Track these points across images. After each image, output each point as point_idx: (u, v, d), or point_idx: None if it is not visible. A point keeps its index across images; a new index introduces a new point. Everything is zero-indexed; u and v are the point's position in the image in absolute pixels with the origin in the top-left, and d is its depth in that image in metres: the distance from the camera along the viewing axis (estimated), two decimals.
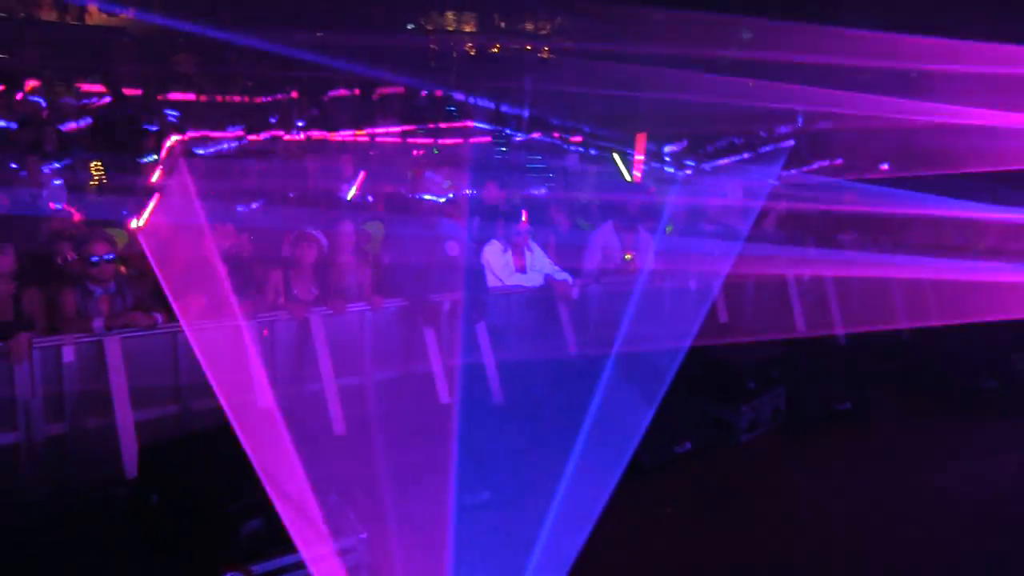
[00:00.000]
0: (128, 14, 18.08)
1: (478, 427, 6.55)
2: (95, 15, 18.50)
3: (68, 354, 6.05)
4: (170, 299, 6.54)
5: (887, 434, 8.06)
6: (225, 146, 12.12)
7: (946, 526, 6.23)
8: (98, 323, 6.23)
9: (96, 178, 10.20)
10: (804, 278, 9.93)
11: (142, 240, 7.22)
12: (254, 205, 9.32)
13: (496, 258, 8.60)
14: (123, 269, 7.02)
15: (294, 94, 14.84)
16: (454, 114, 16.43)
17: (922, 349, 9.57)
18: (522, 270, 8.63)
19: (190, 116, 12.64)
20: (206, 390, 6.54)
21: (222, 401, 5.68)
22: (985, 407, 8.73)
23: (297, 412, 6.17)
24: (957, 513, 6.46)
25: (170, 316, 6.62)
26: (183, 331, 6.52)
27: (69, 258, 7.09)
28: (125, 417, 6.09)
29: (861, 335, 10.14)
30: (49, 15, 18.12)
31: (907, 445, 7.80)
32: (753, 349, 8.13)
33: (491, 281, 8.45)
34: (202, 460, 5.05)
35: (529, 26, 23.00)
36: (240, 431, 5.16)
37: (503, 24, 23.02)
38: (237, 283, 6.79)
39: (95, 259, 6.47)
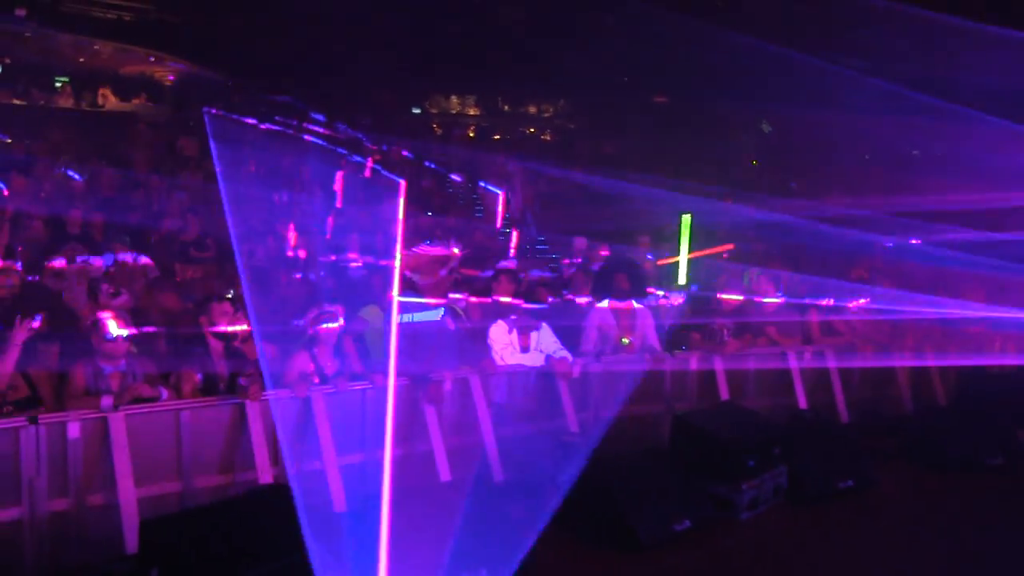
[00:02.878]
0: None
1: (478, 505, 6.61)
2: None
3: (73, 431, 6.14)
4: None
5: (891, 511, 8.02)
6: None
7: None
8: (106, 401, 6.34)
9: None
10: (805, 355, 9.98)
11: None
12: None
13: (500, 338, 8.71)
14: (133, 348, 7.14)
15: None
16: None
17: (926, 426, 9.53)
18: (525, 349, 8.72)
19: None
20: (208, 467, 6.66)
21: None
22: (991, 483, 8.66)
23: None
24: None
25: (176, 393, 6.76)
26: (186, 408, 6.64)
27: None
28: (128, 493, 6.17)
29: (864, 412, 10.19)
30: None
31: (911, 522, 7.75)
32: (754, 427, 8.14)
33: (495, 361, 8.55)
34: (202, 534, 5.10)
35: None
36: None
37: None
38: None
39: (109, 337, 6.60)
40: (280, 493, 5.62)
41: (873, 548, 7.15)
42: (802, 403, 9.67)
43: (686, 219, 12.35)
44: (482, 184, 17.13)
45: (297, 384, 7.25)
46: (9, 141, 14.99)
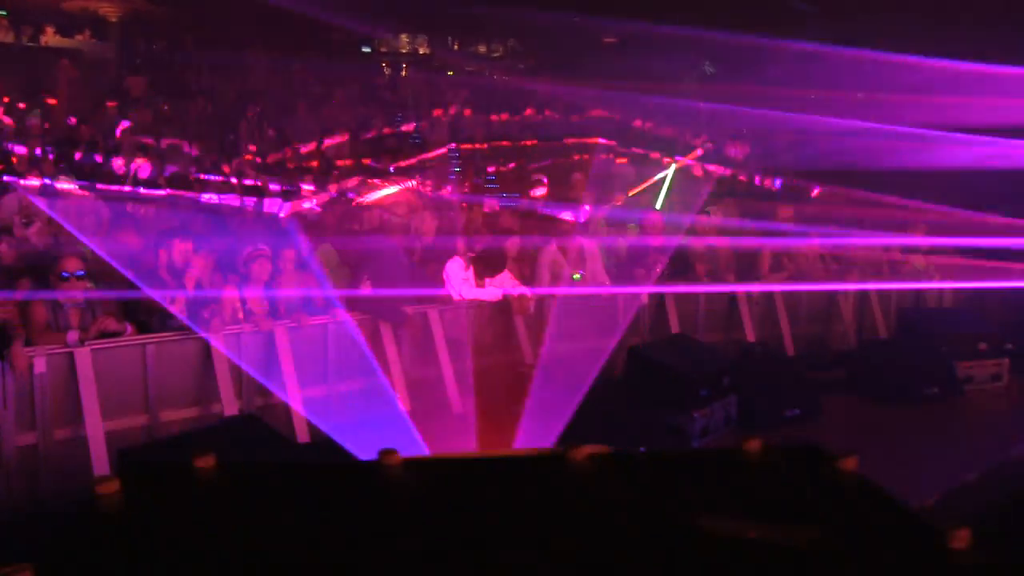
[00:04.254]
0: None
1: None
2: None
3: (39, 365, 6.19)
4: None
5: (834, 438, 8.31)
6: None
7: None
8: (72, 336, 6.40)
9: None
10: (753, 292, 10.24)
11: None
12: None
13: (456, 273, 8.83)
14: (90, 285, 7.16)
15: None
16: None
17: (867, 358, 9.88)
18: (481, 284, 8.86)
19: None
20: (174, 400, 6.75)
21: None
22: (926, 412, 9.05)
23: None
24: None
25: (139, 328, 6.81)
26: (152, 343, 6.71)
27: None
28: (95, 427, 6.25)
29: (810, 345, 10.53)
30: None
31: (851, 447, 8.05)
32: (705, 358, 8.41)
33: (452, 296, 8.69)
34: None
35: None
36: None
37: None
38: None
39: (65, 275, 6.64)
40: (254, 423, 5.75)
41: None
42: (750, 336, 9.96)
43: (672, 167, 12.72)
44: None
45: (260, 319, 7.34)
46: None
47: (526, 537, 2.40)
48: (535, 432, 6.58)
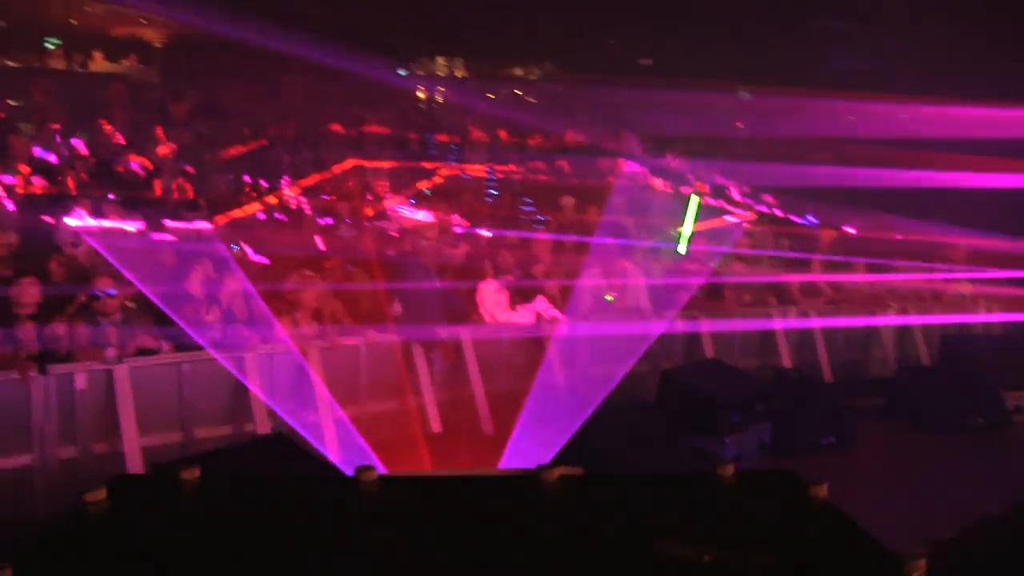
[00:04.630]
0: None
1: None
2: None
3: (80, 381, 6.34)
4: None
5: (871, 468, 8.20)
6: None
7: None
8: (111, 352, 6.55)
9: None
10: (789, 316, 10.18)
11: None
12: None
13: (490, 296, 8.88)
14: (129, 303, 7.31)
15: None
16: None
17: (908, 386, 9.72)
18: (514, 308, 8.89)
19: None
20: (208, 418, 6.85)
21: None
22: (971, 443, 8.85)
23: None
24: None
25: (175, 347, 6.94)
26: (187, 362, 6.82)
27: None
28: (132, 442, 6.37)
29: (848, 371, 10.39)
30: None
31: (890, 479, 7.93)
32: (738, 383, 8.35)
33: (484, 318, 8.73)
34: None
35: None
36: None
37: None
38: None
39: (98, 293, 6.81)
40: (283, 441, 5.82)
41: (851, 504, 7.25)
42: (786, 362, 9.88)
43: (694, 199, 12.56)
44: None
45: (300, 340, 7.45)
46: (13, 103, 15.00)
47: (481, 553, 2.46)
48: (563, 455, 6.60)
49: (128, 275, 7.39)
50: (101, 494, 2.67)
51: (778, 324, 10.04)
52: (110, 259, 7.96)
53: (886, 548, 2.45)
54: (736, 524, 2.65)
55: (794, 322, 10.19)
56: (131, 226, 9.91)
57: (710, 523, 2.64)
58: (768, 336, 10.03)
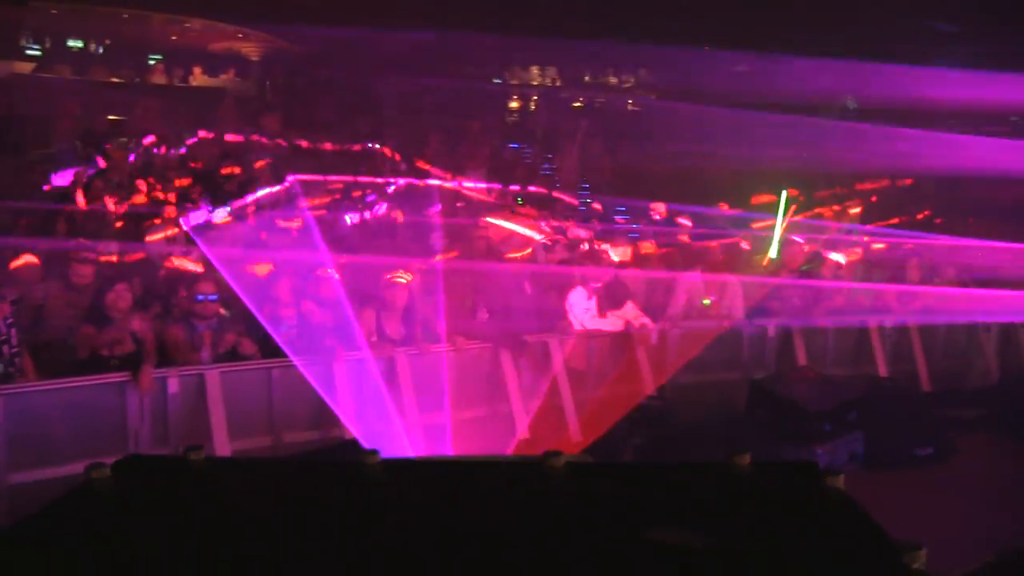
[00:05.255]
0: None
1: None
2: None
3: (172, 385, 6.53)
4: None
5: (971, 481, 7.92)
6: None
7: None
8: (205, 354, 6.73)
9: None
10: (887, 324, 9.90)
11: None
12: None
13: (579, 303, 8.85)
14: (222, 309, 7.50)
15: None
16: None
17: (1012, 396, 9.35)
18: (603, 315, 8.85)
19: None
20: (296, 423, 6.97)
21: None
22: None
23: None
24: None
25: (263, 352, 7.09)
26: (277, 367, 6.96)
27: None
28: (223, 446, 6.53)
29: (948, 381, 10.04)
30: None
31: (992, 493, 7.65)
32: (830, 391, 8.16)
33: (573, 325, 8.71)
34: None
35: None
36: None
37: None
38: None
39: (200, 297, 6.99)
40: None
41: (949, 517, 6.97)
42: (882, 371, 9.61)
43: (785, 197, 12.19)
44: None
45: (378, 345, 7.52)
46: (115, 117, 15.55)
47: (479, 538, 2.45)
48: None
49: (231, 281, 7.59)
50: (105, 471, 2.75)
51: (874, 330, 9.78)
52: (214, 263, 8.20)
53: (891, 538, 2.37)
54: (742, 513, 2.59)
55: (890, 327, 9.90)
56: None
57: (715, 511, 2.59)
58: (863, 344, 9.78)
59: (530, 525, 2.53)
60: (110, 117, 15.33)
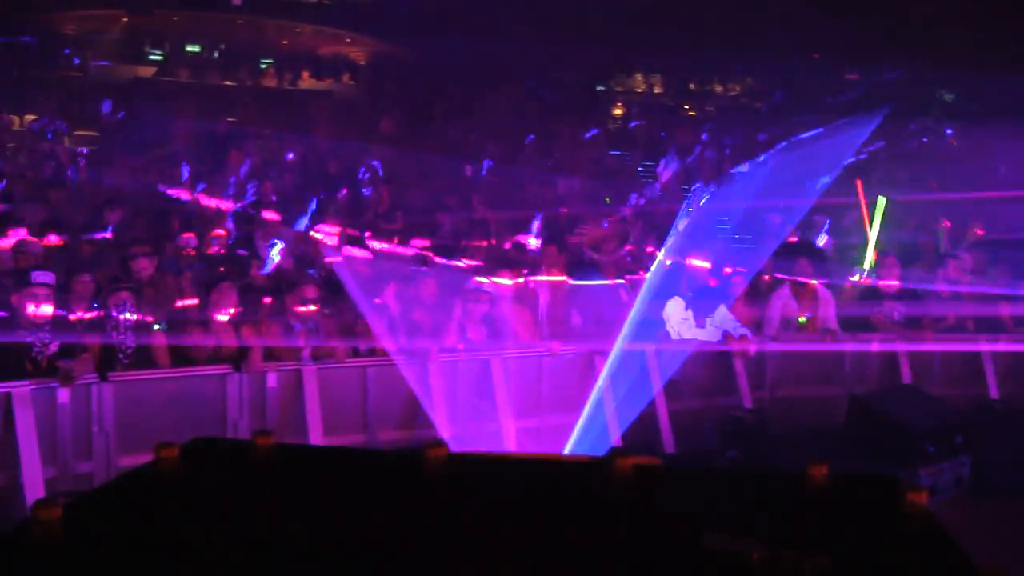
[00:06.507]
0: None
1: None
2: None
3: (271, 380, 6.69)
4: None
5: None
6: None
7: None
8: (306, 352, 6.88)
9: None
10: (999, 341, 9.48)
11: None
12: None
13: (675, 313, 8.75)
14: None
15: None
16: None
17: None
18: (701, 325, 8.73)
19: None
20: (390, 422, 7.06)
21: None
22: None
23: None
24: None
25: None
26: (372, 366, 7.05)
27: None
28: (317, 440, 6.67)
29: None
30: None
31: None
32: (936, 412, 7.87)
33: (671, 335, 8.61)
34: None
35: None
36: None
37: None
38: None
39: (303, 301, 7.19)
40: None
41: None
42: (993, 393, 9.22)
43: (881, 201, 11.74)
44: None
45: (473, 346, 7.58)
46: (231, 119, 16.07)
47: (534, 536, 2.40)
48: None
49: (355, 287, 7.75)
50: (173, 451, 2.80)
51: (986, 350, 9.37)
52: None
53: (972, 562, 2.24)
54: (811, 523, 2.50)
55: (1004, 348, 9.46)
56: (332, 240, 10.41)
57: (783, 521, 2.50)
58: (974, 364, 9.37)
59: (588, 524, 2.50)
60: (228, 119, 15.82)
